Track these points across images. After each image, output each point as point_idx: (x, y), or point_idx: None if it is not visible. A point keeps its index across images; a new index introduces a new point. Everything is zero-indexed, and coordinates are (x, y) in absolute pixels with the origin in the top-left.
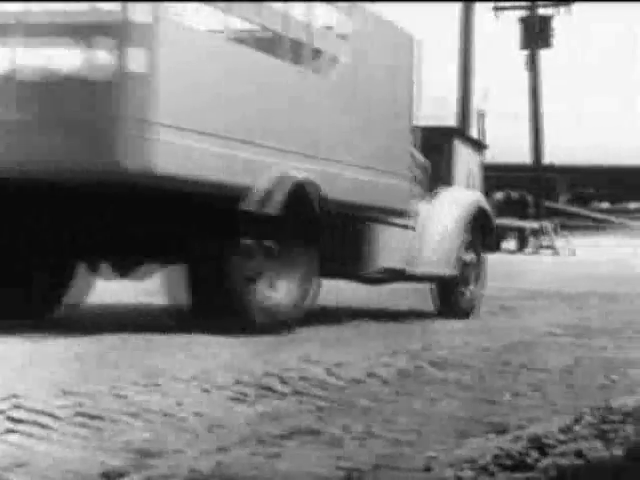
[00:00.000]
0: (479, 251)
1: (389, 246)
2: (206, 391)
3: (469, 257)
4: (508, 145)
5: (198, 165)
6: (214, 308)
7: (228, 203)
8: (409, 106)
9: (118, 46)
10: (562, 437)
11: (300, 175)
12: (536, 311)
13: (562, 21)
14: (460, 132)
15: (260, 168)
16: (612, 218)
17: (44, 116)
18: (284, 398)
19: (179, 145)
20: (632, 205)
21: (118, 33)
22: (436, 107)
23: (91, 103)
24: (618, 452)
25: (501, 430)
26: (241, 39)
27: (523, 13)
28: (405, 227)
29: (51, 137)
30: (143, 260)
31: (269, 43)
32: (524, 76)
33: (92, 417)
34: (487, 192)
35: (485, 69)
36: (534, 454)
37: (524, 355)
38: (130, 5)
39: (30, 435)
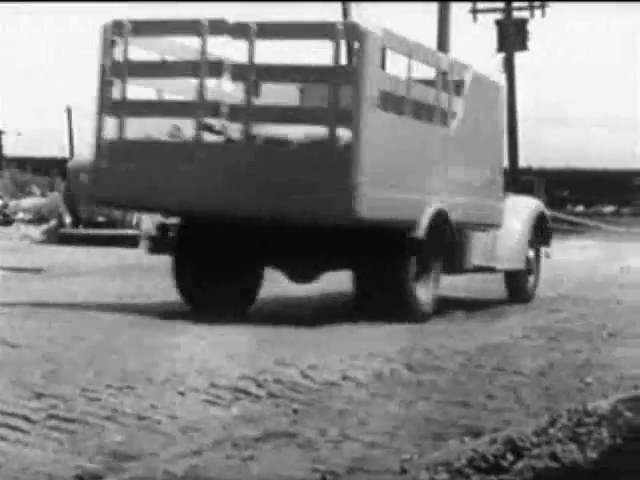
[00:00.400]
0: (537, 248)
1: (478, 248)
2: (181, 394)
3: (531, 253)
4: None
5: (386, 208)
6: (383, 302)
7: (401, 231)
8: (501, 141)
9: (332, 127)
10: (537, 440)
11: (441, 206)
12: (510, 314)
13: (537, 24)
14: None
15: (420, 206)
16: (587, 221)
17: (291, 177)
18: (259, 401)
19: (379, 197)
20: (607, 209)
21: (340, 119)
22: None
23: (327, 168)
24: (592, 455)
25: (476, 433)
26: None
27: (499, 16)
28: (488, 232)
29: (296, 192)
30: (331, 269)
31: (424, 110)
32: (501, 79)
33: (66, 420)
34: None
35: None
36: (509, 457)
37: (498, 358)
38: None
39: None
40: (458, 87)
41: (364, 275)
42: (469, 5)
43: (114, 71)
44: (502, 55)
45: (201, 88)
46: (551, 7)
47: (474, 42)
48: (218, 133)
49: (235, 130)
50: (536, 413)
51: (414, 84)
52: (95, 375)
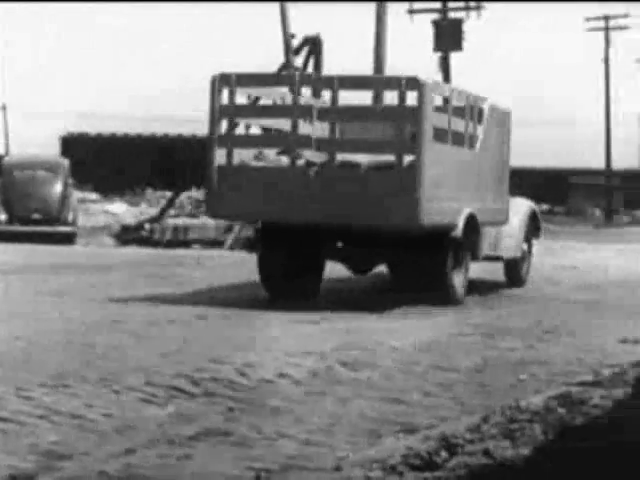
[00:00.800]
0: (530, 240)
1: (488, 241)
2: (116, 392)
3: (525, 245)
4: None
5: (436, 215)
6: (427, 289)
7: (442, 231)
8: (508, 156)
9: (399, 154)
10: (470, 436)
11: (471, 211)
12: (447, 311)
13: (473, 25)
14: None
15: (457, 212)
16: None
17: (362, 192)
18: (194, 399)
19: (432, 207)
20: (541, 207)
21: (406, 148)
22: None
23: (394, 186)
24: (525, 451)
25: (411, 430)
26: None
27: (435, 16)
28: (494, 227)
29: (366, 204)
30: (384, 263)
31: (459, 137)
32: (437, 78)
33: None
34: None
35: (400, 71)
36: (443, 453)
37: (434, 355)
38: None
39: None
40: (479, 115)
41: (412, 267)
42: (406, 5)
43: (222, 112)
44: (438, 55)
45: (295, 126)
46: (487, 8)
47: (411, 42)
48: (297, 158)
49: (316, 156)
50: (470, 410)
51: (453, 119)
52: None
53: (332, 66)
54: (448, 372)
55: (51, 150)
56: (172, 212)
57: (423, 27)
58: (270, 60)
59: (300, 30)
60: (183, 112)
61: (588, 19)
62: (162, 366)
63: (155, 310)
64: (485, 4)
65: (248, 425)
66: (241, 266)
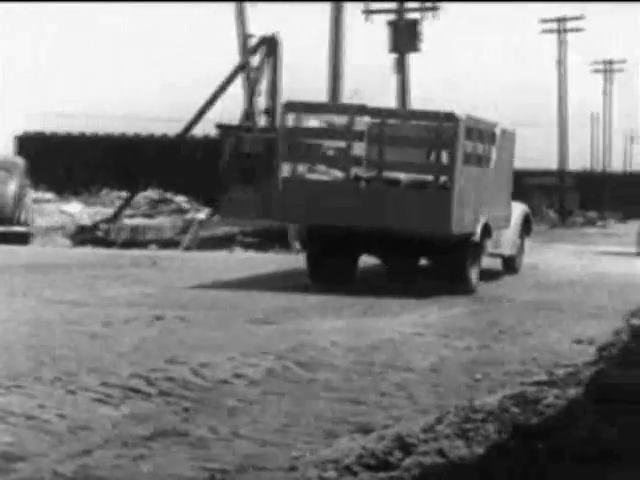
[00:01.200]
0: (523, 237)
1: (493, 240)
2: (71, 392)
3: (519, 241)
4: None
5: (462, 224)
6: (450, 281)
7: (465, 237)
8: (512, 170)
9: (436, 175)
10: (425, 436)
11: (486, 219)
12: (402, 311)
13: (430, 26)
14: None
15: (476, 220)
16: None
17: (402, 204)
18: (150, 399)
19: (460, 218)
20: None
21: (442, 170)
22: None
23: (430, 200)
24: (479, 450)
25: (366, 430)
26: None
27: (392, 17)
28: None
29: (405, 214)
30: (415, 258)
31: (479, 159)
32: (393, 79)
33: None
34: None
35: (357, 71)
36: (398, 453)
37: (390, 355)
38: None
39: None
40: (492, 138)
41: (438, 264)
42: (363, 5)
43: (288, 133)
44: (395, 55)
45: (349, 147)
46: (443, 9)
47: (368, 42)
48: (349, 172)
49: (363, 171)
50: (425, 410)
51: (476, 144)
52: None
53: (289, 66)
54: (404, 372)
55: (4, 150)
56: (128, 212)
57: (380, 27)
58: (227, 59)
59: (257, 30)
60: (173, 112)
61: (543, 21)
62: (117, 366)
63: (111, 310)
64: (441, 4)
65: (204, 425)
66: (197, 266)
